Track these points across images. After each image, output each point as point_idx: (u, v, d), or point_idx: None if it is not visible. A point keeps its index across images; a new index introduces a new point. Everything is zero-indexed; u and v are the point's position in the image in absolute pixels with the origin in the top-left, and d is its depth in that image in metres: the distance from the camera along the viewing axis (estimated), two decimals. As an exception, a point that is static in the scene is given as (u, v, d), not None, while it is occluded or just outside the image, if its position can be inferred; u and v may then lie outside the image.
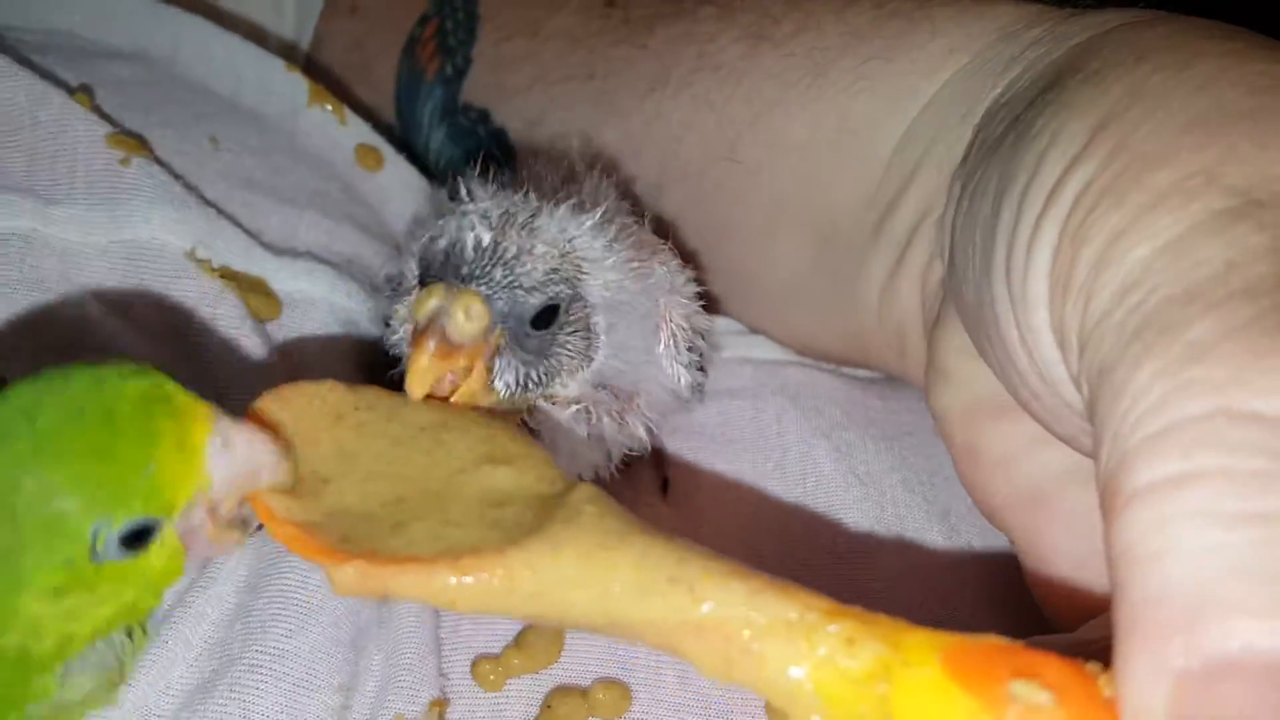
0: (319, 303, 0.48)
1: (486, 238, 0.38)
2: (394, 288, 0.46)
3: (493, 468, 0.33)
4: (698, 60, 0.52)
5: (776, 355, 0.56)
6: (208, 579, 0.41)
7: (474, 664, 0.43)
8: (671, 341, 0.46)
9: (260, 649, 0.41)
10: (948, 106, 0.45)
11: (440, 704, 0.43)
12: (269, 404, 0.35)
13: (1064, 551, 0.41)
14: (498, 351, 0.39)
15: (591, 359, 0.42)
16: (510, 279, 0.38)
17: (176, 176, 0.48)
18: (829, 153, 0.49)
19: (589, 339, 0.41)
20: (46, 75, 0.49)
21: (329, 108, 0.56)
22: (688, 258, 0.49)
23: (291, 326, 0.47)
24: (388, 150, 0.56)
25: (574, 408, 0.43)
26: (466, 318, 0.37)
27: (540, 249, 0.39)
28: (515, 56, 0.58)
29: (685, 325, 0.46)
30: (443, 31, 0.61)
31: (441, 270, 0.39)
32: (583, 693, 0.43)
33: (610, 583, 0.30)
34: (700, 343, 0.47)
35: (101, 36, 0.56)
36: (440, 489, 0.33)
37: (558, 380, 0.41)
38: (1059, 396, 0.34)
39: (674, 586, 0.29)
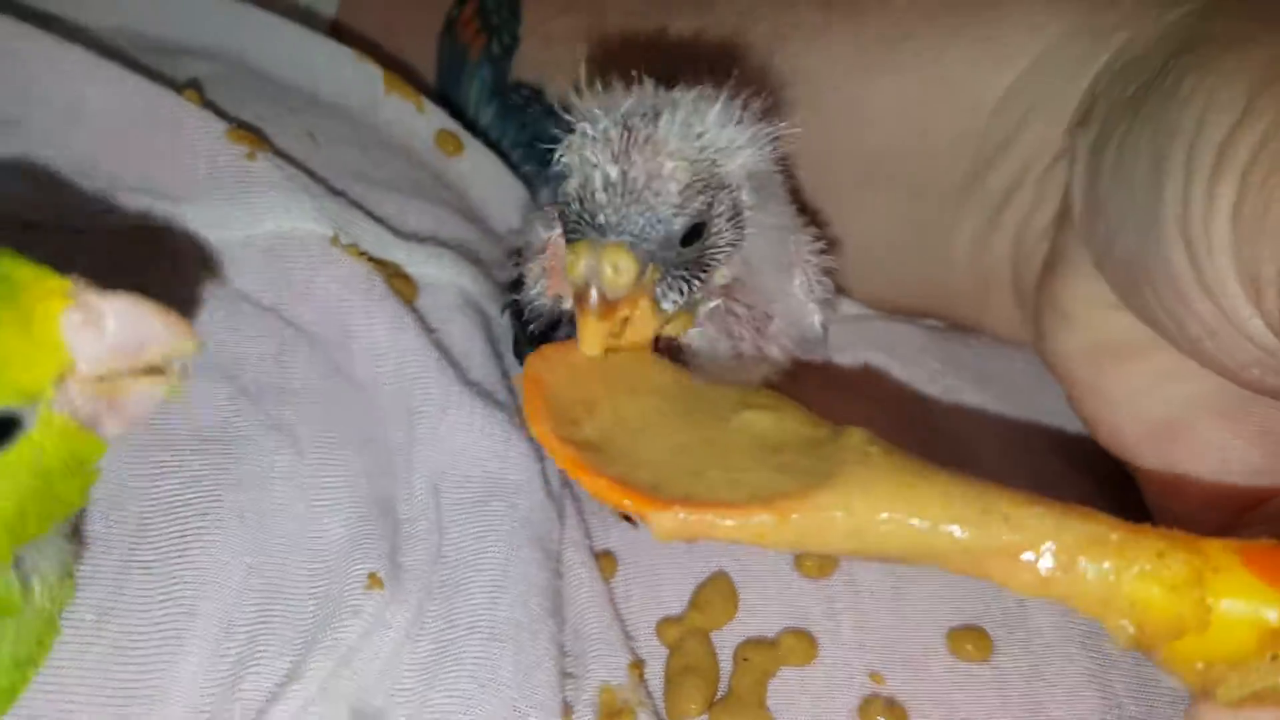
0: (447, 286, 0.48)
1: (614, 172, 0.37)
2: (517, 259, 0.46)
3: (754, 414, 0.34)
4: (774, 27, 0.53)
5: (856, 311, 0.57)
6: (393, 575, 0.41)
7: (658, 626, 0.44)
8: (804, 279, 0.46)
9: (493, 619, 0.41)
10: (1053, 67, 0.47)
11: (638, 666, 0.43)
12: (537, 364, 0.35)
13: (1195, 478, 0.44)
14: (656, 283, 0.38)
15: (742, 238, 0.40)
16: (647, 212, 0.37)
17: (299, 168, 0.47)
18: (928, 108, 0.50)
19: (739, 222, 0.40)
20: (152, 74, 0.47)
21: (405, 96, 0.55)
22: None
23: (428, 309, 0.47)
24: (465, 135, 0.56)
25: (710, 305, 0.42)
26: (615, 273, 0.36)
27: (669, 166, 0.37)
28: (570, 32, 0.58)
29: (815, 263, 0.46)
30: (484, 10, 0.60)
31: (579, 224, 0.37)
32: (771, 643, 0.44)
33: (922, 517, 0.31)
34: (828, 282, 0.48)
35: (165, 33, 0.54)
36: (715, 436, 0.34)
37: (718, 272, 0.40)
38: (1240, 331, 0.38)
39: (987, 517, 0.31)
